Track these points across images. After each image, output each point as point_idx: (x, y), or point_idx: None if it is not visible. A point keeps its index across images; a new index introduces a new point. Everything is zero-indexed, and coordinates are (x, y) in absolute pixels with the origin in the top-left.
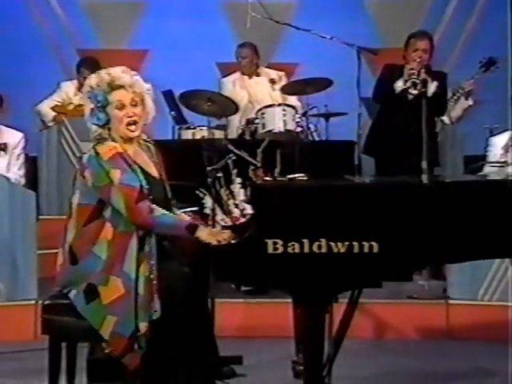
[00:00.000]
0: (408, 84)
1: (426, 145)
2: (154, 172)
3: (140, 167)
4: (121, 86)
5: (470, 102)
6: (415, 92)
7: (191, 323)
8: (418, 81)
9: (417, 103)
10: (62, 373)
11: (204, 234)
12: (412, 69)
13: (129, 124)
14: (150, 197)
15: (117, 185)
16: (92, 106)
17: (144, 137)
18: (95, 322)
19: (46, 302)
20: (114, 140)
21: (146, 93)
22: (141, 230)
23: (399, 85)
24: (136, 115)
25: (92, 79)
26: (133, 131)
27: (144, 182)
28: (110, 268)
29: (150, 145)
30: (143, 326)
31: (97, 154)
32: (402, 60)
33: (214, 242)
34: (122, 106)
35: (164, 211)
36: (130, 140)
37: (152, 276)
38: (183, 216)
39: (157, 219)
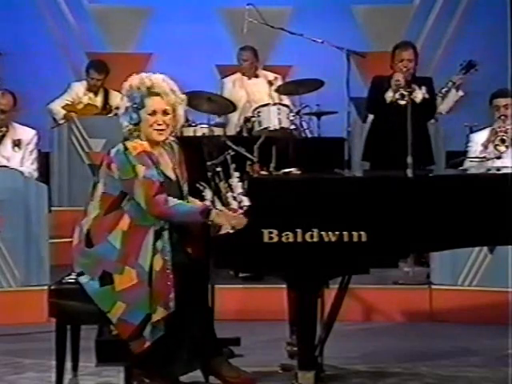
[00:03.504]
0: (397, 96)
1: (419, 145)
2: (171, 174)
3: (160, 169)
4: (158, 94)
5: (461, 93)
6: (403, 103)
7: (191, 309)
8: (405, 92)
9: (407, 111)
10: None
11: (218, 217)
12: (398, 80)
13: (156, 130)
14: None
15: (140, 179)
16: (128, 104)
17: (171, 139)
18: (105, 306)
19: (53, 287)
20: (141, 139)
21: (180, 103)
22: (160, 220)
23: (389, 95)
24: (165, 123)
25: (134, 80)
26: (159, 136)
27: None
28: (125, 259)
29: (174, 144)
30: (157, 317)
31: (126, 148)
32: (387, 64)
33: (227, 225)
34: (153, 113)
35: (178, 201)
36: (155, 143)
37: (168, 270)
38: (196, 202)
39: (172, 209)
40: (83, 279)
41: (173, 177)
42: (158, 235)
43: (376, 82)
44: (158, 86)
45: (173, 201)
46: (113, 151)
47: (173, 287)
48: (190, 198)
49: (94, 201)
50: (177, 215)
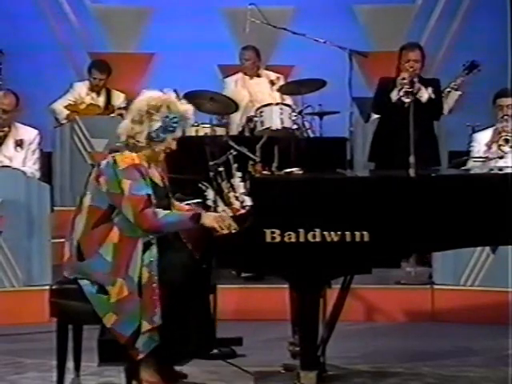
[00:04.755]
0: (401, 93)
1: (425, 145)
2: (159, 181)
3: (150, 179)
4: (184, 129)
5: (459, 93)
6: (408, 100)
7: (192, 307)
8: (410, 90)
9: (413, 110)
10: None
11: (207, 219)
12: (403, 78)
13: (165, 154)
14: (155, 203)
15: (127, 195)
16: (164, 124)
17: None
18: (100, 312)
19: (54, 287)
20: (134, 150)
21: None
22: (150, 234)
23: (394, 94)
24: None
25: (184, 107)
26: (162, 159)
27: (152, 192)
28: (117, 271)
29: None
30: (145, 328)
31: (114, 162)
32: (390, 64)
33: (217, 226)
34: (174, 140)
35: (166, 211)
36: (153, 161)
37: (154, 285)
38: (182, 207)
39: (162, 220)
40: (83, 282)
41: (160, 183)
42: (145, 247)
43: (382, 83)
44: (189, 123)
45: (161, 212)
46: (103, 163)
47: (158, 301)
48: (178, 204)
49: (82, 213)
50: (167, 226)
